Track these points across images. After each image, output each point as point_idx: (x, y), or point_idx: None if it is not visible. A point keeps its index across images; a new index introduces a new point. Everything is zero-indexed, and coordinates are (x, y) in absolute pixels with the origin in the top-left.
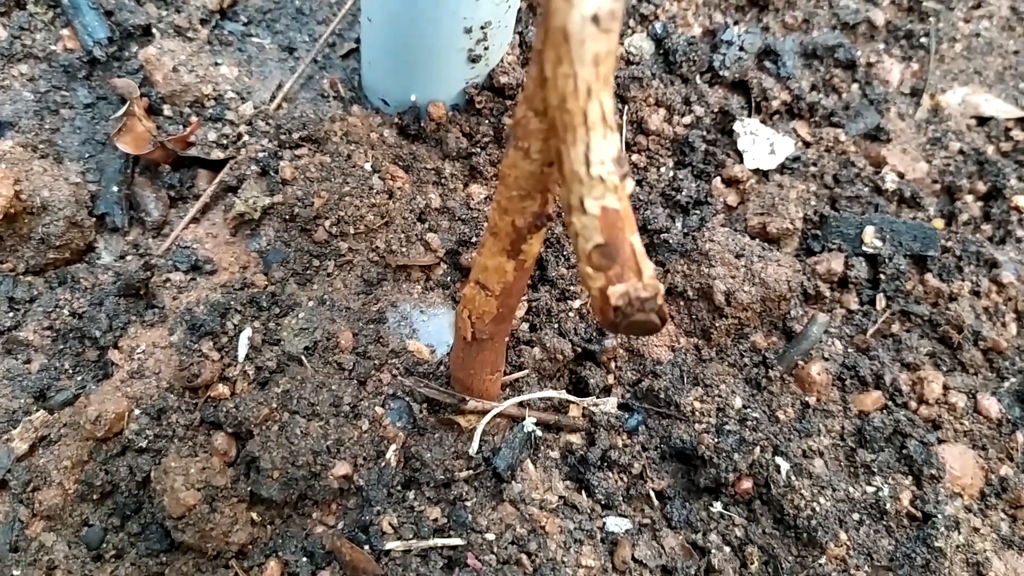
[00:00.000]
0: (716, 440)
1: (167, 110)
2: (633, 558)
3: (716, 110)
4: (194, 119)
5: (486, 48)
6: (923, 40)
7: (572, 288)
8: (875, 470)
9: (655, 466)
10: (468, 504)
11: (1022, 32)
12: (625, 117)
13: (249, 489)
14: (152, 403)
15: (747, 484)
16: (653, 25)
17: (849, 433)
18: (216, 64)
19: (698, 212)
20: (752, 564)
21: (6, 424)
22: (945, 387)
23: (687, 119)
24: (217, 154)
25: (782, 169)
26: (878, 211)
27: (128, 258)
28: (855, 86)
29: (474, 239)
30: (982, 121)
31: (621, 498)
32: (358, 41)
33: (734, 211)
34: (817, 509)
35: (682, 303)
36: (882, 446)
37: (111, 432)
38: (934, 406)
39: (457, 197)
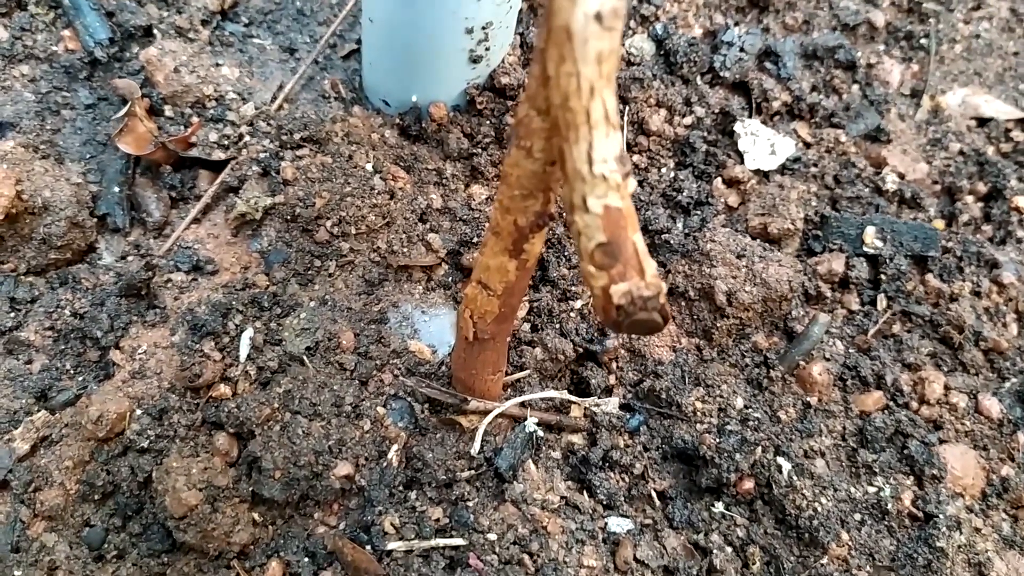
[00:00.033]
0: (718, 440)
1: (168, 111)
2: (635, 558)
3: (717, 111)
4: (195, 120)
5: (487, 49)
6: (923, 41)
7: (573, 288)
8: (876, 470)
9: (657, 466)
10: (470, 504)
11: (1022, 33)
12: (626, 118)
13: (251, 489)
14: (154, 403)
15: (749, 484)
16: (654, 26)
17: (850, 433)
18: (217, 65)
19: (699, 212)
20: (754, 564)
21: (7, 424)
22: (946, 387)
23: (688, 120)
24: (218, 155)
25: (783, 170)
26: (879, 212)
27: (129, 258)
28: (855, 87)
29: (475, 239)
30: (982, 122)
31: (623, 498)
32: (359, 42)
33: (735, 212)
34: (819, 509)
35: (683, 303)
36: (883, 446)
37: (112, 432)
38: (935, 406)
39: (458, 197)
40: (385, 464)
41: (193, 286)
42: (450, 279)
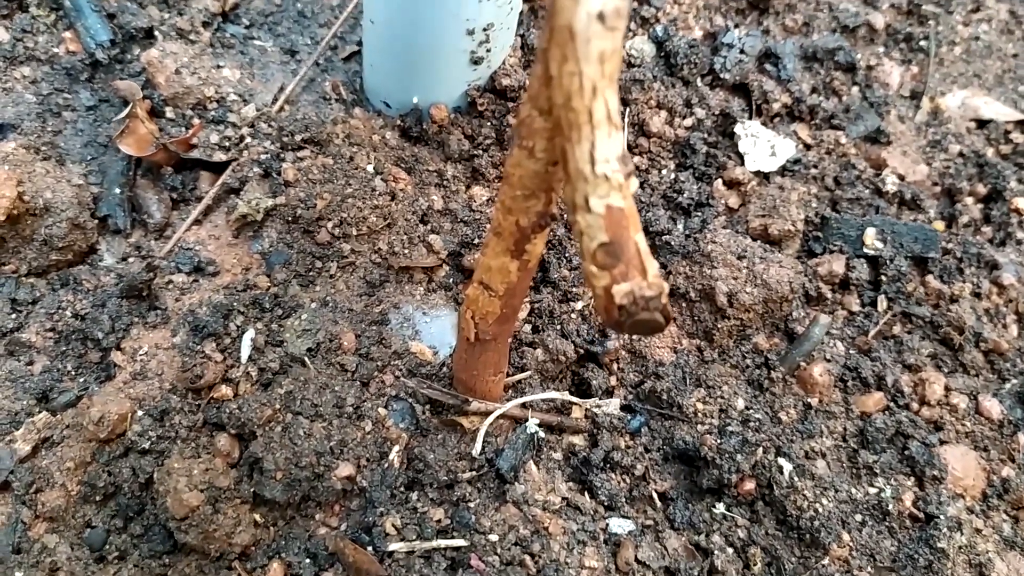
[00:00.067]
0: (719, 441)
1: (169, 112)
2: (636, 559)
3: (717, 112)
4: (196, 121)
5: (488, 50)
6: (923, 43)
7: (574, 290)
8: (877, 471)
9: (658, 467)
10: (471, 505)
11: (1021, 35)
12: (626, 119)
13: (252, 490)
14: (155, 404)
15: (750, 485)
16: (654, 28)
17: (851, 434)
18: (218, 67)
19: (700, 214)
20: (755, 565)
21: (9, 426)
22: (947, 388)
23: (688, 121)
24: (219, 156)
25: (783, 171)
26: (879, 213)
27: (130, 260)
28: (855, 89)
29: (476, 241)
30: (982, 124)
31: (624, 499)
32: (360, 44)
33: (735, 213)
34: (820, 510)
35: (684, 304)
36: (884, 447)
37: (114, 433)
38: (936, 407)
39: (459, 199)
40: (386, 465)
41: (194, 287)
42: (451, 280)
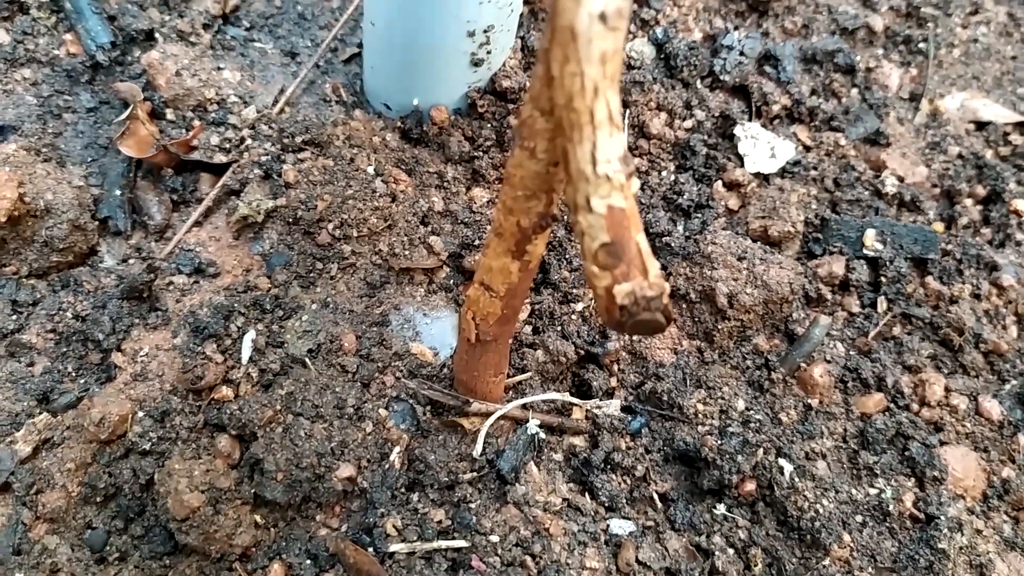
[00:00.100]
0: (719, 442)
1: (170, 114)
2: (637, 560)
3: (717, 114)
4: (197, 123)
5: (488, 52)
6: (921, 45)
7: (575, 291)
8: (878, 472)
9: (658, 468)
10: (472, 506)
11: (1019, 38)
12: (626, 121)
13: (253, 491)
14: (156, 405)
15: (750, 486)
16: (654, 30)
17: (851, 435)
18: (219, 69)
19: (700, 215)
20: (756, 566)
21: (9, 427)
22: (947, 389)
23: (688, 123)
24: (220, 158)
25: (783, 173)
26: (878, 214)
27: (131, 261)
28: (854, 91)
29: (477, 242)
30: (980, 126)
31: (625, 500)
32: (360, 46)
33: (735, 214)
34: (820, 511)
35: (684, 306)
36: (884, 448)
37: (114, 434)
38: (936, 408)
39: (460, 200)
40: (387, 466)
41: (195, 288)
42: (451, 282)
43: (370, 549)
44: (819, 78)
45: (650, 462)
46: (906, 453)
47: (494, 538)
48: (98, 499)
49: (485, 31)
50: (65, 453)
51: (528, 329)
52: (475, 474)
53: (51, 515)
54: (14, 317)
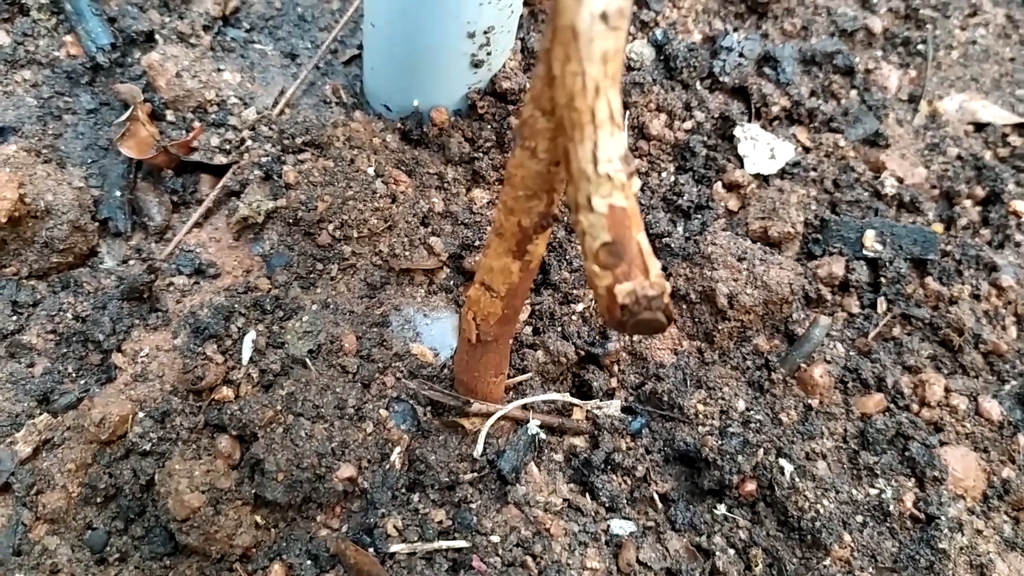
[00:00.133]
0: (720, 442)
1: (170, 115)
2: (637, 560)
3: (716, 115)
4: (197, 124)
5: (489, 53)
6: (920, 47)
7: (575, 292)
8: (878, 472)
9: (659, 469)
10: (473, 506)
11: (1017, 40)
12: (626, 122)
13: (253, 492)
14: (156, 406)
15: (751, 486)
16: (654, 31)
17: (852, 435)
18: (219, 70)
19: (699, 216)
20: (756, 566)
21: (9, 427)
22: (946, 390)
23: (688, 124)
24: (220, 159)
25: (782, 174)
26: (878, 215)
27: (131, 262)
28: (854, 92)
29: (477, 243)
30: (979, 127)
31: (625, 501)
32: (360, 47)
33: (735, 215)
34: (821, 511)
35: (684, 306)
36: (884, 448)
37: (115, 435)
38: (936, 408)
39: (460, 201)
40: (388, 466)
41: (195, 289)
42: (452, 282)
43: (371, 549)
44: (818, 79)
45: (650, 462)
46: (906, 453)
47: (495, 538)
48: (98, 500)
49: (485, 32)
50: (65, 454)
51: (528, 330)
52: (476, 474)
53: (51, 516)
54: (14, 318)
